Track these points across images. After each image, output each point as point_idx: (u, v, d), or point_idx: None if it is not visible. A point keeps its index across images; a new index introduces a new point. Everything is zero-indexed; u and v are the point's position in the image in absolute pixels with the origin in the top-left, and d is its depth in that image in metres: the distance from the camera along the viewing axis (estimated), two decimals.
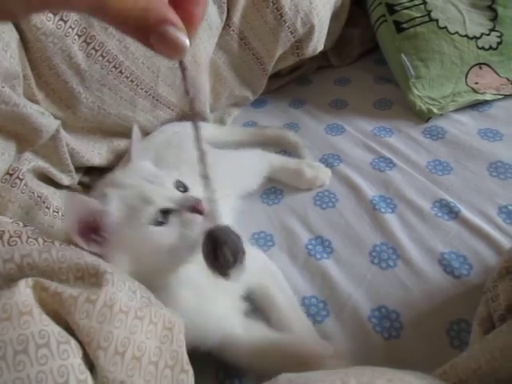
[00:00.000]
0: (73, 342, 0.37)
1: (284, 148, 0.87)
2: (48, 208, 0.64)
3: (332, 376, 0.37)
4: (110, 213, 0.47)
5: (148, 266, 0.48)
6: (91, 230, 0.46)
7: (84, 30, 0.66)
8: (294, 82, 1.07)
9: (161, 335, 0.41)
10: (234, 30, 0.85)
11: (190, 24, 0.25)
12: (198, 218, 0.48)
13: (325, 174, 0.78)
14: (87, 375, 0.36)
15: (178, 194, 0.50)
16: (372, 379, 0.36)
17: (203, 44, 0.81)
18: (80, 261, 0.42)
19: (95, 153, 0.78)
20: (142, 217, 0.47)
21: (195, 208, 0.48)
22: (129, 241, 0.47)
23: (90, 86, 0.70)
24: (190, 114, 0.33)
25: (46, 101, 0.69)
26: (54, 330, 0.36)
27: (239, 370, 0.54)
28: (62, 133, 0.70)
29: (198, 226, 0.48)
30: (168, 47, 0.24)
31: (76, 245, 0.45)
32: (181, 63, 0.29)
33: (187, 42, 0.25)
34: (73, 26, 0.64)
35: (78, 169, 0.76)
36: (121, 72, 0.72)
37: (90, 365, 0.37)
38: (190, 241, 0.48)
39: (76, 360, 0.36)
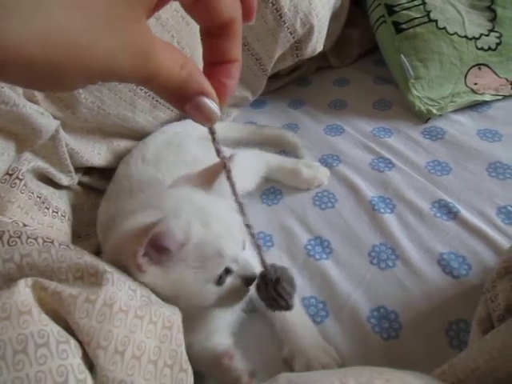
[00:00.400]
0: (72, 341, 0.37)
1: (283, 148, 0.87)
2: (47, 208, 0.64)
3: (331, 376, 0.38)
4: (186, 248, 0.46)
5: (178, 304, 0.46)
6: (154, 247, 0.45)
7: None
8: (293, 82, 1.08)
9: (160, 334, 0.41)
10: None
11: (222, 95, 0.27)
12: (248, 291, 0.50)
13: (323, 174, 0.78)
14: (86, 375, 0.36)
15: (241, 257, 0.50)
16: (370, 379, 0.36)
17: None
18: (79, 260, 0.42)
19: (95, 153, 0.78)
20: (212, 271, 0.47)
21: (249, 281, 0.49)
22: (182, 282, 0.46)
23: (89, 86, 0.70)
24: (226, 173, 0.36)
25: (46, 101, 0.69)
26: (54, 329, 0.36)
27: None
28: (62, 133, 0.70)
29: (245, 297, 0.51)
30: (201, 116, 0.26)
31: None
32: (210, 128, 0.31)
33: (219, 112, 0.26)
34: None
35: (78, 169, 0.76)
36: None
37: (90, 364, 0.37)
38: (230, 304, 0.51)
39: (75, 360, 0.36)
